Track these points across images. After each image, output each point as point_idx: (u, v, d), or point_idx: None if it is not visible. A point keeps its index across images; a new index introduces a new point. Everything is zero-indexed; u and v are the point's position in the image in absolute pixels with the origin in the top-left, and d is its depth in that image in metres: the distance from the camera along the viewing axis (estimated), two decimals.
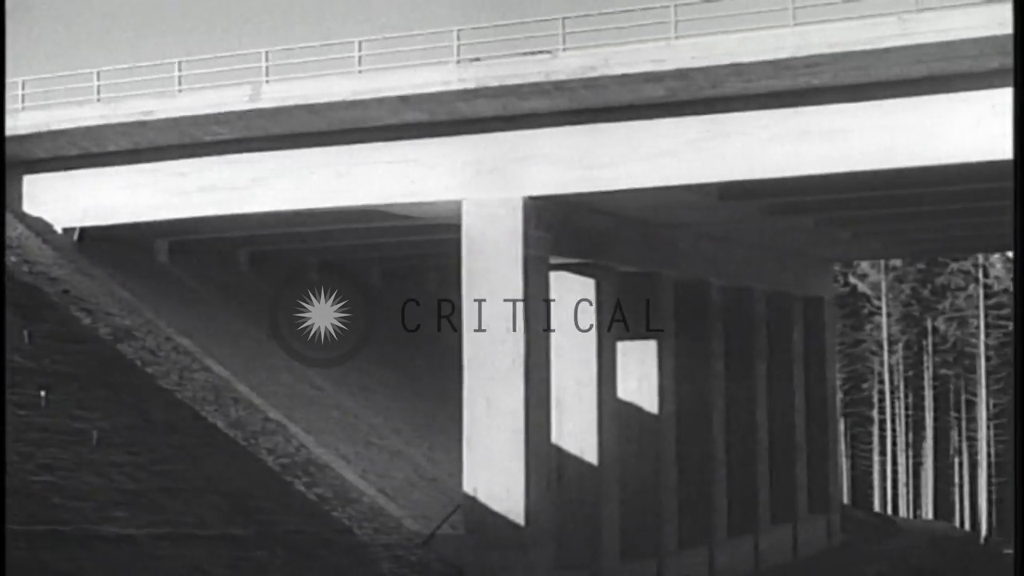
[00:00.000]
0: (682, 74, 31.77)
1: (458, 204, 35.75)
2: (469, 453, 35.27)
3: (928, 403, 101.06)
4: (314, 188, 37.71)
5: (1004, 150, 31.21)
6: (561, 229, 36.75)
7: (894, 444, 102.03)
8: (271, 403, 40.56)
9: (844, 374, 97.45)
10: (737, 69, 31.42)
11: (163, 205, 40.32)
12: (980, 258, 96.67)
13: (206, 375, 39.65)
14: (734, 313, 49.40)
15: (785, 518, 52.98)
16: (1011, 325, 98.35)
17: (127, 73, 39.54)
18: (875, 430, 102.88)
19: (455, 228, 36.27)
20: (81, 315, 37.91)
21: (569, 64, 32.47)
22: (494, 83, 33.15)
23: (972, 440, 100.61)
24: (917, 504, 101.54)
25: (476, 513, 34.93)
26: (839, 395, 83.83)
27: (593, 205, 37.58)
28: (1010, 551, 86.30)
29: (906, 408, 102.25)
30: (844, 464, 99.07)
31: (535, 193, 35.07)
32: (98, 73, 39.18)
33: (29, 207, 42.19)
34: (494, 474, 34.83)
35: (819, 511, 56.24)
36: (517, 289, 34.85)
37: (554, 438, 37.98)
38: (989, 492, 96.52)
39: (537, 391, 35.46)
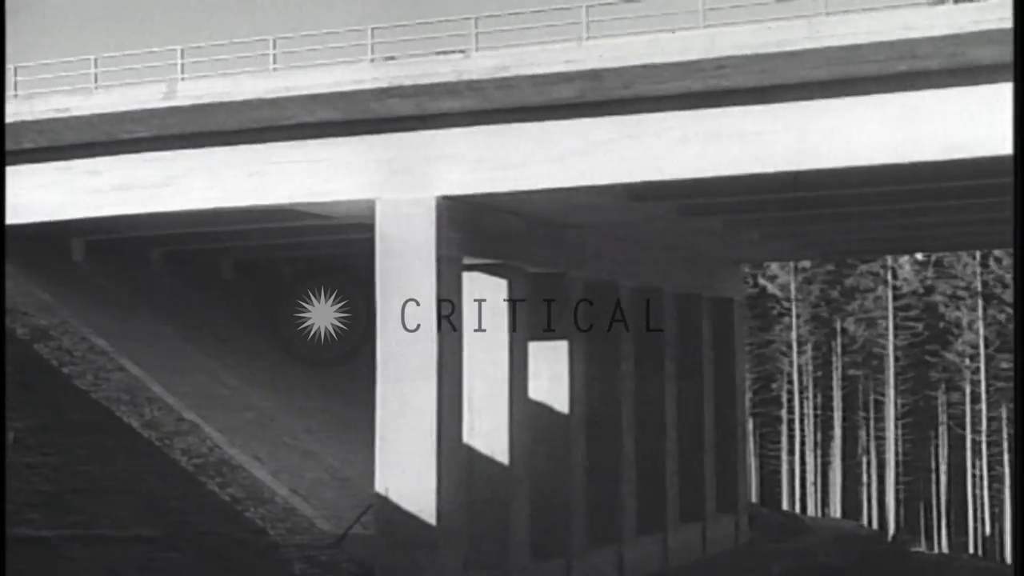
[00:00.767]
0: (593, 75, 31.91)
1: (371, 204, 35.73)
2: (381, 453, 35.25)
3: (837, 403, 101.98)
4: (228, 187, 37.56)
5: (910, 153, 31.73)
6: (473, 229, 36.81)
7: (802, 443, 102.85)
8: (185, 403, 40.44)
9: (753, 374, 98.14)
10: (648, 70, 31.59)
11: (78, 203, 39.98)
12: (889, 260, 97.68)
13: (121, 375, 39.50)
14: (645, 314, 49.63)
15: (693, 517, 53.30)
16: (920, 326, 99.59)
17: (43, 70, 39.18)
18: (784, 430, 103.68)
19: (369, 228, 36.25)
20: None
21: (481, 64, 32.54)
22: (407, 82, 33.15)
23: (880, 440, 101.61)
24: (825, 503, 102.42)
25: (387, 513, 34.92)
26: (748, 395, 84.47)
27: (505, 205, 37.68)
28: (916, 549, 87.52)
29: (815, 408, 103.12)
30: (753, 463, 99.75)
31: (447, 193, 35.13)
32: (16, 69, 38.80)
33: None
34: (405, 474, 34.83)
35: (727, 510, 56.63)
36: (430, 289, 34.91)
37: (465, 438, 38.05)
38: (896, 491, 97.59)
39: (449, 391, 35.52)
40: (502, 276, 39.22)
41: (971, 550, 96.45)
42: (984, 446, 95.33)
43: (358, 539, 35.93)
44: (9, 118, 38.28)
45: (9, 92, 38.64)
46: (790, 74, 31.58)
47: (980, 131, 31.05)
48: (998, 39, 29.17)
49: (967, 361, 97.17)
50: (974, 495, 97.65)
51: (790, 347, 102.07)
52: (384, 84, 33.46)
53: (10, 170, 40.54)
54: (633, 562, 47.00)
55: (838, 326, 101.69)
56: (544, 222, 41.02)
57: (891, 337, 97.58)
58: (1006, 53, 29.69)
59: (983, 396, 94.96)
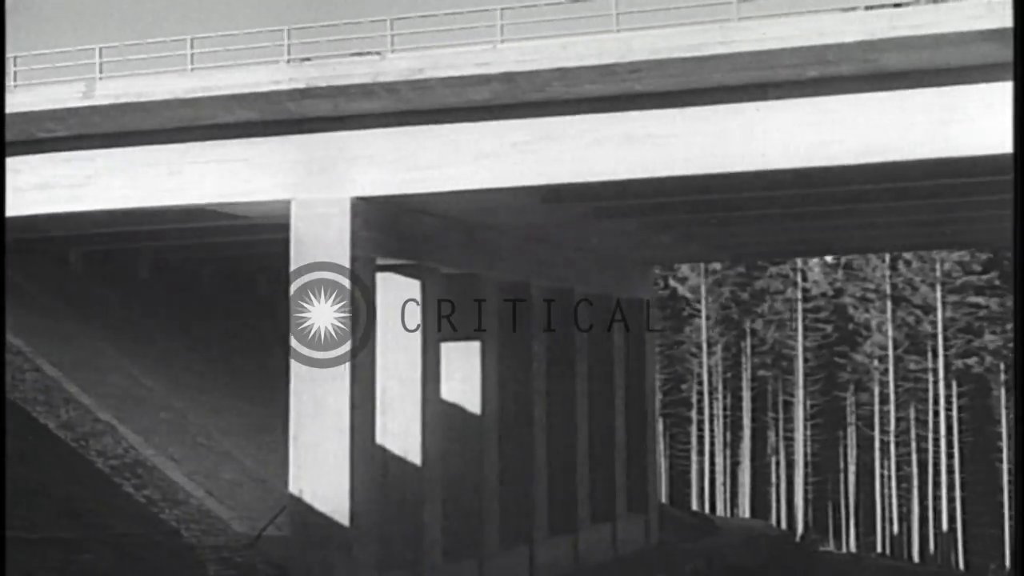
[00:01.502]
0: (507, 77, 31.99)
1: (288, 204, 35.64)
2: (295, 454, 35.19)
3: (746, 404, 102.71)
4: (147, 186, 37.31)
5: (822, 157, 32.02)
6: (388, 230, 36.79)
7: (712, 444, 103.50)
8: (101, 404, 40.15)
9: (664, 375, 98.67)
10: (562, 73, 31.71)
11: None
12: (799, 262, 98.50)
13: (37, 376, 39.17)
14: (557, 315, 49.75)
15: (604, 517, 53.55)
16: (829, 328, 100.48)
17: None
18: (693, 430, 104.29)
19: (287, 228, 36.14)
20: None
21: (396, 66, 32.54)
22: (323, 83, 33.11)
23: (789, 440, 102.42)
24: (734, 503, 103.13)
25: (301, 514, 34.87)
26: (659, 396, 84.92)
27: (419, 206, 37.69)
28: (825, 549, 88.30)
29: (724, 409, 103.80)
30: (663, 464, 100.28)
31: (363, 194, 35.11)
32: None
33: None
34: (319, 475, 34.79)
35: (638, 510, 56.93)
36: (344, 290, 34.88)
37: (378, 439, 38.06)
38: (805, 491, 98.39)
39: (362, 392, 35.49)
40: (416, 277, 39.23)
41: (879, 549, 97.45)
42: (892, 446, 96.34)
43: (272, 540, 35.81)
44: None
45: None
46: (704, 78, 31.76)
47: (891, 136, 31.42)
48: (911, 45, 29.55)
49: (876, 363, 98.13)
50: (882, 495, 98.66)
51: (700, 348, 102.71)
52: (301, 85, 33.40)
53: None
54: (544, 562, 47.13)
55: (748, 327, 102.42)
56: (459, 223, 41.08)
57: (800, 338, 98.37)
58: (918, 59, 30.12)
59: (891, 397, 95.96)
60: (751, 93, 32.20)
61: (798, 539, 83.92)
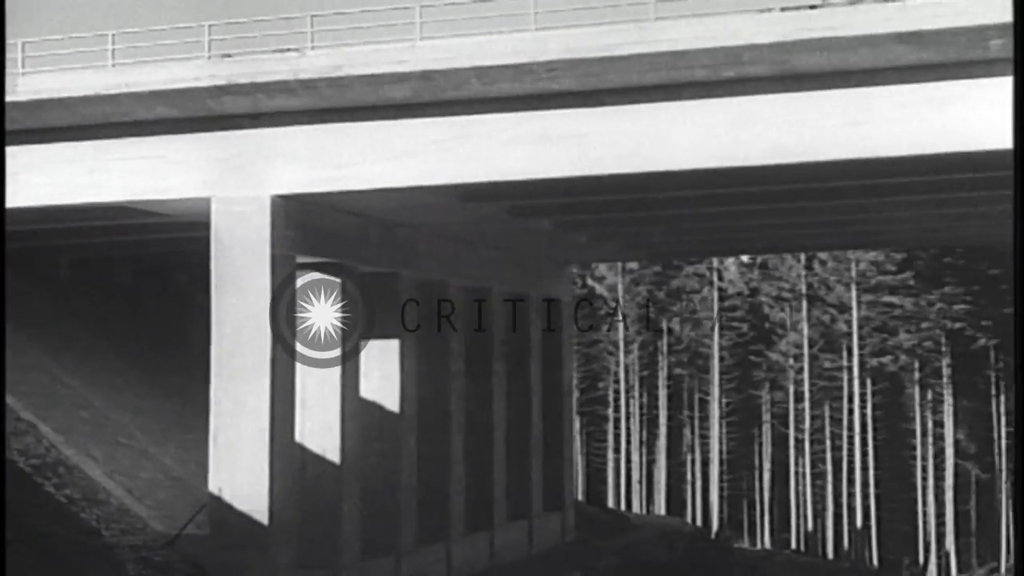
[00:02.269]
0: (425, 76, 32.12)
1: (207, 202, 35.55)
2: (214, 452, 35.16)
3: (662, 402, 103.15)
4: (67, 184, 37.07)
5: (736, 157, 32.29)
6: (307, 228, 36.78)
7: (628, 442, 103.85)
8: (22, 403, 39.83)
9: (580, 373, 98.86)
10: (479, 72, 31.88)
11: None
12: (715, 262, 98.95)
13: None
14: (474, 313, 49.85)
15: (521, 515, 53.68)
16: (744, 327, 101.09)
17: None
18: (610, 428, 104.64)
19: (206, 226, 36.03)
20: None
21: (315, 63, 32.57)
22: (243, 80, 33.12)
23: (704, 438, 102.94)
24: (650, 500, 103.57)
25: (220, 512, 34.83)
26: (575, 394, 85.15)
27: (338, 204, 37.69)
28: (739, 545, 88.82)
29: (641, 407, 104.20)
30: (579, 462, 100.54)
31: (282, 192, 35.12)
32: None
33: None
34: (238, 473, 34.78)
35: (554, 508, 57.08)
36: (264, 288, 34.84)
37: (297, 437, 38.04)
38: (720, 488, 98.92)
39: (282, 390, 35.49)
40: (335, 275, 39.21)
41: (793, 546, 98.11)
42: (807, 444, 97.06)
43: (192, 539, 35.71)
44: None
45: None
46: (619, 78, 32.00)
47: (806, 136, 31.74)
48: (824, 47, 29.88)
49: (791, 361, 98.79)
50: (796, 492, 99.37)
51: (617, 347, 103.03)
52: (221, 82, 33.37)
53: None
54: (461, 560, 47.23)
55: (664, 326, 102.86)
56: (377, 221, 41.08)
57: (716, 337, 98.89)
58: (832, 60, 30.45)
59: (806, 395, 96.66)
60: (667, 93, 32.45)
61: (713, 536, 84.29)
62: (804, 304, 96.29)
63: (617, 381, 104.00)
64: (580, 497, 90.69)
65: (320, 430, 39.28)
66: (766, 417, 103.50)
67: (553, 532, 56.80)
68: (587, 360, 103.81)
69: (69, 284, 52.26)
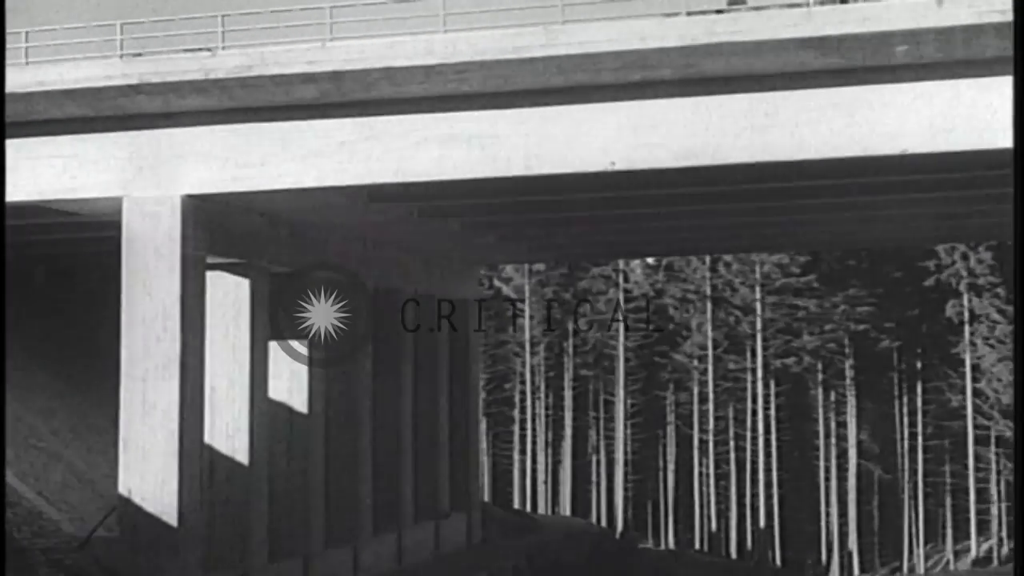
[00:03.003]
0: (334, 76, 32.15)
1: (119, 201, 35.34)
2: (124, 454, 34.98)
3: (568, 403, 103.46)
4: None
5: (642, 160, 32.54)
6: (218, 228, 36.67)
7: (534, 443, 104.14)
8: None
9: (487, 374, 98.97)
10: (388, 73, 31.95)
11: None
12: (621, 263, 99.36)
13: None
14: (384, 314, 49.85)
15: (428, 515, 53.74)
16: (650, 328, 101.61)
17: None
18: (516, 429, 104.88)
19: (119, 226, 35.81)
20: None
21: (226, 63, 32.49)
22: (155, 79, 32.98)
23: (610, 439, 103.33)
24: (555, 501, 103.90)
25: (130, 515, 34.66)
26: (482, 395, 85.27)
27: (249, 205, 37.63)
28: (644, 545, 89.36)
29: (547, 408, 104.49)
30: (486, 463, 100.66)
31: (193, 192, 34.95)
32: None
33: None
34: (148, 475, 34.61)
35: (461, 509, 57.20)
36: (174, 288, 34.72)
37: (207, 438, 37.88)
38: (625, 489, 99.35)
39: (192, 391, 35.37)
40: (245, 275, 39.11)
41: (697, 546, 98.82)
42: (711, 445, 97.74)
43: (102, 542, 35.48)
44: None
45: None
46: (528, 80, 32.15)
47: (711, 139, 32.03)
48: (730, 51, 30.20)
49: (695, 362, 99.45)
50: (700, 492, 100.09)
51: (523, 348, 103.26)
52: (133, 81, 33.21)
53: None
54: (368, 562, 47.25)
55: (570, 327, 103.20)
56: (288, 222, 41.04)
57: (622, 338, 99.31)
58: (737, 65, 30.78)
59: (710, 396, 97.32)
60: (575, 95, 32.64)
61: (618, 536, 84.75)
62: (709, 306, 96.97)
63: (523, 382, 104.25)
64: (486, 498, 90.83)
65: (229, 431, 39.17)
66: (671, 418, 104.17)
67: (460, 533, 56.91)
68: (494, 361, 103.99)
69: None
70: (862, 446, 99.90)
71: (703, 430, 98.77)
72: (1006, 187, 39.48)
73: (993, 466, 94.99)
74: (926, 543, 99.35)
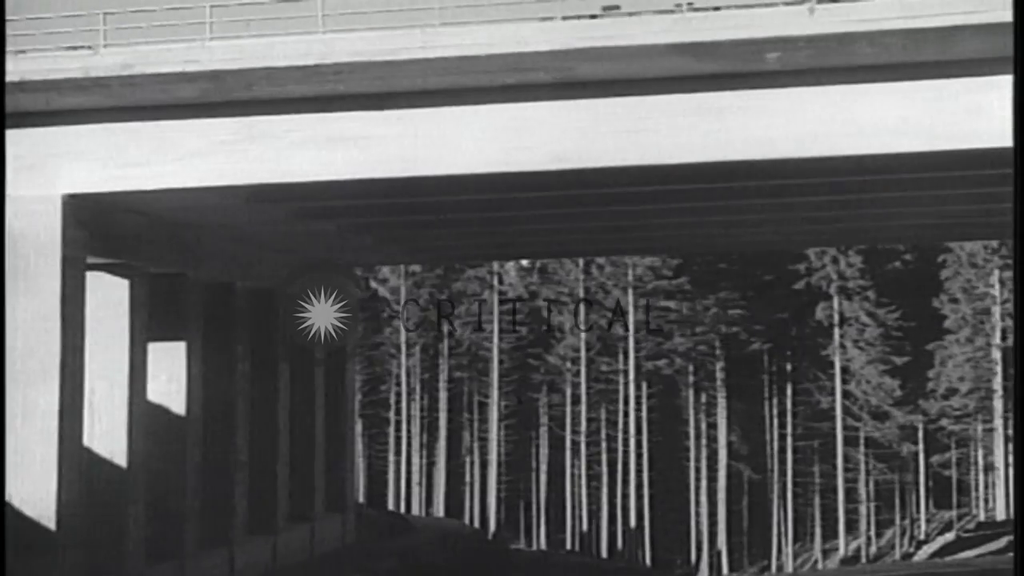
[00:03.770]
0: (214, 76, 32.17)
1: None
2: (3, 457, 34.55)
3: (442, 404, 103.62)
4: None
5: (515, 162, 32.89)
6: (98, 228, 36.43)
7: (409, 444, 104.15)
8: None
9: (363, 376, 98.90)
10: (267, 73, 32.03)
11: None
12: (495, 266, 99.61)
13: None
14: (260, 315, 49.77)
15: (303, 517, 53.66)
16: (524, 330, 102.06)
17: None
18: (391, 431, 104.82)
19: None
20: None
21: (107, 61, 32.37)
22: (36, 77, 32.77)
23: (483, 441, 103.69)
24: (429, 503, 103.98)
25: (9, 518, 34.20)
26: (358, 397, 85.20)
27: (128, 204, 37.35)
28: (516, 546, 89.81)
29: (421, 410, 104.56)
30: (361, 464, 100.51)
31: (74, 191, 34.72)
32: None
33: None
34: (27, 478, 34.32)
35: (335, 510, 57.15)
36: (55, 288, 34.47)
37: (86, 440, 37.62)
38: (498, 490, 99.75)
39: (71, 393, 35.14)
40: (124, 276, 38.92)
41: (569, 546, 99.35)
42: (583, 446, 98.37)
43: None
44: None
45: None
46: (405, 82, 32.38)
47: (584, 143, 32.41)
48: (602, 56, 30.62)
49: (568, 364, 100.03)
50: (572, 493, 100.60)
51: (399, 349, 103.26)
52: (15, 78, 32.92)
53: None
54: (243, 563, 47.12)
55: (445, 329, 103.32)
56: (167, 222, 40.82)
57: (496, 340, 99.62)
58: (610, 69, 31.23)
59: (583, 398, 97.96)
60: (451, 97, 32.90)
61: (490, 537, 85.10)
62: (582, 308, 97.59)
63: (399, 384, 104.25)
64: (361, 499, 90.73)
65: (108, 433, 38.93)
66: (544, 419, 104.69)
67: (334, 535, 56.91)
68: (370, 363, 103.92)
69: None
70: (732, 447, 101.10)
71: (575, 431, 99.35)
72: (876, 192, 40.59)
73: (862, 466, 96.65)
74: (795, 542, 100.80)
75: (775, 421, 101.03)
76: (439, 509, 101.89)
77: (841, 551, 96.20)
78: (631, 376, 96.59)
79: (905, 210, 46.13)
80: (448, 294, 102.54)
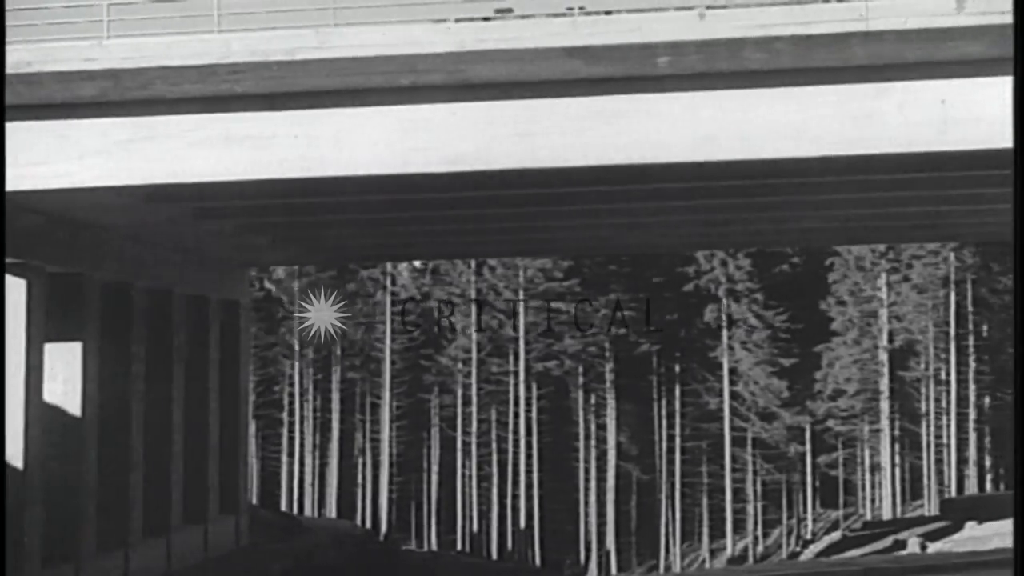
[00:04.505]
0: (112, 74, 31.98)
1: None
2: None
3: (335, 405, 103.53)
4: None
5: (410, 164, 33.12)
6: None
7: (302, 445, 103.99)
8: None
9: (257, 377, 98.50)
10: (164, 72, 31.88)
11: None
12: (388, 266, 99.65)
13: None
14: (156, 316, 49.63)
15: (197, 519, 53.54)
16: (416, 331, 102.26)
17: None
18: (284, 432, 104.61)
19: None
20: None
21: (7, 58, 32.16)
22: None
23: (375, 441, 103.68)
24: (322, 504, 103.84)
25: None
26: (252, 397, 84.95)
27: (27, 204, 37.02)
28: (407, 547, 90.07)
29: (314, 410, 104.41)
30: (254, 465, 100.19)
31: None
32: None
33: None
34: None
35: (229, 512, 57.02)
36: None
37: None
38: (390, 491, 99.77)
39: None
40: (22, 276, 38.72)
41: (459, 547, 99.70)
42: (474, 447, 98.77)
43: None
44: None
45: None
46: (301, 82, 32.36)
47: (478, 145, 32.63)
48: (497, 58, 30.93)
49: (460, 365, 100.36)
50: (463, 494, 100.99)
51: (293, 350, 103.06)
52: None
53: None
54: (138, 566, 46.96)
55: (338, 330, 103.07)
56: (66, 221, 40.60)
57: (388, 341, 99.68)
58: (504, 71, 31.60)
59: (474, 399, 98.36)
60: (347, 98, 32.99)
61: (382, 538, 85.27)
62: (473, 309, 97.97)
63: (292, 385, 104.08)
64: (255, 501, 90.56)
65: (5, 435, 38.63)
66: (435, 420, 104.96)
67: (228, 536, 56.80)
68: (264, 363, 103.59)
69: None
70: (621, 448, 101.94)
71: (467, 432, 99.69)
72: (765, 196, 41.38)
73: (749, 467, 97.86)
74: (683, 542, 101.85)
75: (664, 422, 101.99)
76: (331, 510, 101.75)
77: (728, 551, 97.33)
78: (521, 377, 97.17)
79: (794, 214, 46.93)
80: (342, 295, 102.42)
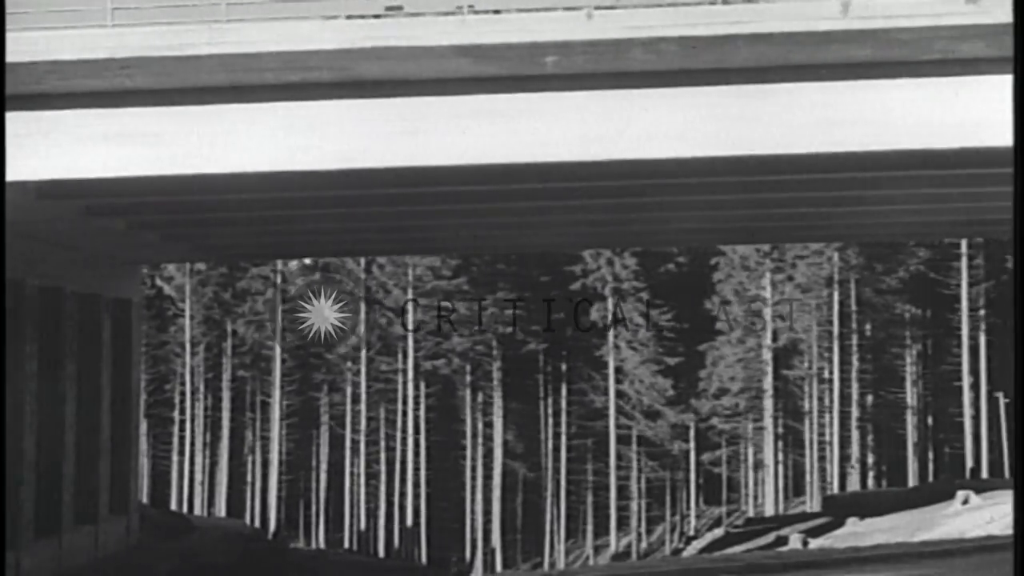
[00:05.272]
0: (8, 69, 31.89)
1: None
2: None
3: (226, 404, 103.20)
4: None
5: (299, 161, 33.21)
6: None
7: (192, 444, 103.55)
8: None
9: (149, 375, 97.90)
10: (56, 67, 31.59)
11: None
12: (279, 264, 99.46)
13: None
14: (48, 314, 49.37)
15: (87, 519, 53.23)
16: (306, 329, 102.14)
17: None
18: (175, 431, 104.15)
19: None
20: None
21: None
22: None
23: (265, 440, 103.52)
24: (211, 502, 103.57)
25: None
26: (143, 396, 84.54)
27: None
28: (295, 545, 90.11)
29: (205, 409, 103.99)
30: (145, 464, 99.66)
31: None
32: None
33: None
34: None
35: (119, 511, 56.71)
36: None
37: None
38: (279, 489, 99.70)
39: None
40: None
41: (347, 545, 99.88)
42: (363, 445, 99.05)
43: None
44: None
45: None
46: (192, 78, 32.23)
47: (368, 142, 32.82)
48: (386, 56, 31.24)
49: (349, 363, 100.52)
50: (351, 492, 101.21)
51: (184, 348, 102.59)
52: None
53: None
54: (30, 567, 46.57)
55: (229, 328, 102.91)
56: None
57: (278, 339, 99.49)
58: (395, 69, 31.91)
59: (363, 397, 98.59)
60: (237, 94, 32.94)
61: (270, 536, 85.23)
62: (363, 307, 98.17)
63: (183, 383, 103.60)
64: (145, 500, 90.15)
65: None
66: (324, 418, 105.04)
67: (118, 536, 56.48)
68: (155, 362, 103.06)
69: None
70: (508, 446, 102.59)
71: (355, 430, 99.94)
72: (651, 196, 42.00)
73: (634, 464, 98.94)
74: (567, 539, 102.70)
75: (550, 420, 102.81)
76: (221, 509, 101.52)
77: (612, 547, 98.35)
78: (410, 375, 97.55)
79: (678, 214, 47.53)
80: (232, 292, 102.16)
